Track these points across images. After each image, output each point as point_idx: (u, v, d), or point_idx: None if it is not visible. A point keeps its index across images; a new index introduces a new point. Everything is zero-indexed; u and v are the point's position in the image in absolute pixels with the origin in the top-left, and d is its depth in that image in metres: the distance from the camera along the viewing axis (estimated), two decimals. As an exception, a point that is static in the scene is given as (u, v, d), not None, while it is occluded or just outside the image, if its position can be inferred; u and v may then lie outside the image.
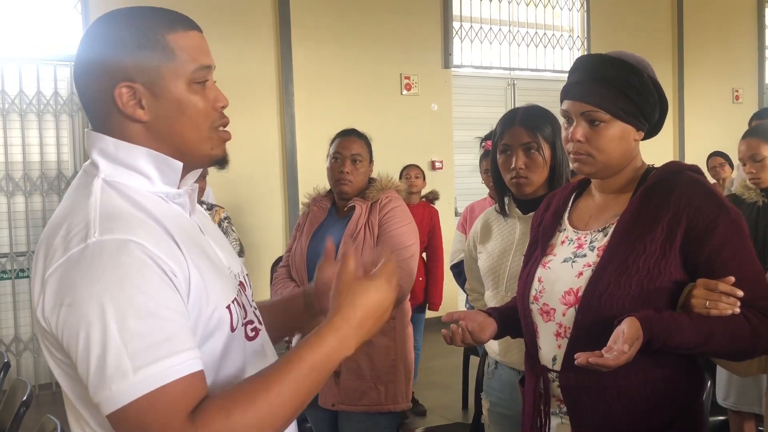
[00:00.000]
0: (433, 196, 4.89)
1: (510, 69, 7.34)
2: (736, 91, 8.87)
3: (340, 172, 2.55)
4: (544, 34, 7.53)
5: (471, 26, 7.07)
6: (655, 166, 1.60)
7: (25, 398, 2.48)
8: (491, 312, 1.74)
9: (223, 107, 1.16)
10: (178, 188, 1.16)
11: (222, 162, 1.17)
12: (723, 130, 7.86)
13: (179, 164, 1.13)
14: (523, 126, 2.03)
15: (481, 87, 7.17)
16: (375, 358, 2.45)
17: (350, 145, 2.58)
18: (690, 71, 8.46)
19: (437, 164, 6.76)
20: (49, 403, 4.55)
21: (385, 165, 4.96)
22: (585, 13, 7.73)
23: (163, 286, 1.00)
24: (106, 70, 1.08)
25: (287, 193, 6.01)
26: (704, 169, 5.77)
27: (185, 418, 0.97)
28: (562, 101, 1.58)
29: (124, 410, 0.95)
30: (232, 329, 1.11)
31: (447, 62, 6.85)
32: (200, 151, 1.14)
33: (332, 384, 2.42)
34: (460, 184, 6.90)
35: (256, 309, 1.25)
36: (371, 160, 2.66)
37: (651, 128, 1.58)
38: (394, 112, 6.54)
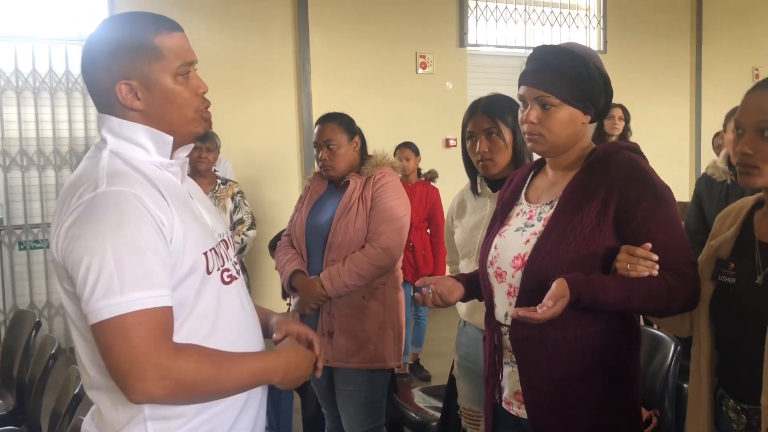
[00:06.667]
0: (431, 175, 5.02)
1: (525, 48, 7.41)
2: (756, 69, 8.81)
3: (320, 160, 2.76)
4: (560, 12, 7.60)
5: (486, 5, 7.17)
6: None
7: (53, 351, 2.77)
8: (459, 278, 1.94)
9: (204, 92, 1.42)
10: (171, 159, 1.42)
11: (203, 138, 1.44)
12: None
13: (170, 138, 1.40)
14: (484, 114, 2.26)
15: (496, 66, 7.27)
16: (366, 321, 2.67)
17: (322, 132, 2.75)
18: (709, 49, 8.44)
19: (451, 142, 6.91)
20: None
21: (400, 141, 5.12)
22: (602, -8, 7.77)
23: (152, 232, 1.26)
24: (108, 70, 1.34)
25: (303, 170, 6.22)
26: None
27: (166, 341, 1.24)
28: (519, 86, 1.77)
29: (109, 322, 1.21)
30: (208, 272, 1.37)
31: (462, 41, 6.98)
32: (185, 130, 1.42)
33: (326, 343, 2.64)
34: (474, 161, 7.04)
35: (236, 263, 1.50)
36: (352, 137, 2.77)
37: (597, 113, 1.76)
38: (410, 90, 6.70)
